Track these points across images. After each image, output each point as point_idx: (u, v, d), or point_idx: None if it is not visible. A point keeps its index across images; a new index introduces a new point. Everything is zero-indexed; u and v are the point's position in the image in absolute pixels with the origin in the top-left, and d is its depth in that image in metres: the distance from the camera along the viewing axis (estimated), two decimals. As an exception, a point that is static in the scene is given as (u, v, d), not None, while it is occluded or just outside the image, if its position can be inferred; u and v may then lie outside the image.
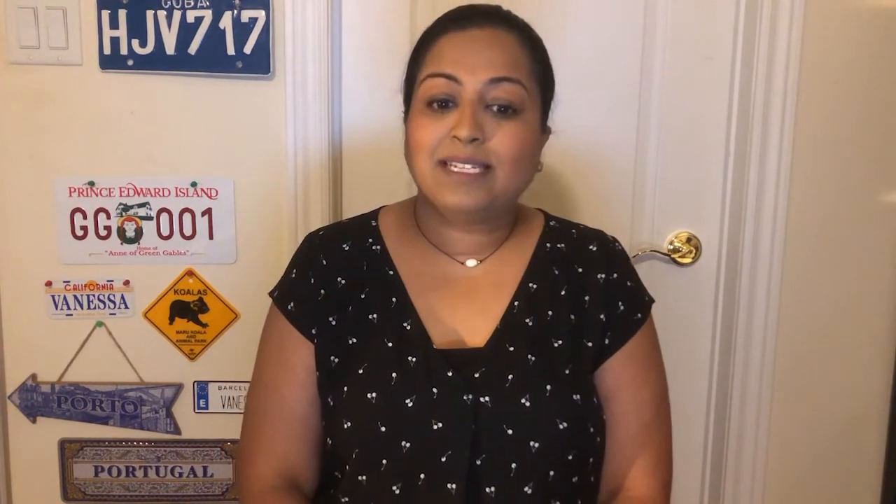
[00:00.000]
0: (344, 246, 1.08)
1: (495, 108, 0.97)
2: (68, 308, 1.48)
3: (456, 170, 0.96)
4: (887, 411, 1.56)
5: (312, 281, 1.06)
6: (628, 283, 1.07)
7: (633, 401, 1.04)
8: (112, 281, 1.48)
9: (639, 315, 1.06)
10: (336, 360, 1.02)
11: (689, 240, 1.52)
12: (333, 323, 1.04)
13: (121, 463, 1.53)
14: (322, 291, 1.05)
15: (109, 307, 1.48)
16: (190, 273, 1.48)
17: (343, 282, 1.05)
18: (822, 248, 1.52)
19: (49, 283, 1.47)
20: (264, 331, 1.11)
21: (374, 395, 0.97)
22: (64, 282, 1.47)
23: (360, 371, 1.00)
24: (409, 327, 1.01)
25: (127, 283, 1.48)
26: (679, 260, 1.52)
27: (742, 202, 1.49)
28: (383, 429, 0.96)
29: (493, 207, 1.00)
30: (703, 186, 1.51)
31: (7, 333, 1.49)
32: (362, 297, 1.04)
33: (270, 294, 1.11)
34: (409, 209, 1.11)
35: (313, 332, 1.04)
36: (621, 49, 1.47)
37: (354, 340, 1.02)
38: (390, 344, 1.00)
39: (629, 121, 1.49)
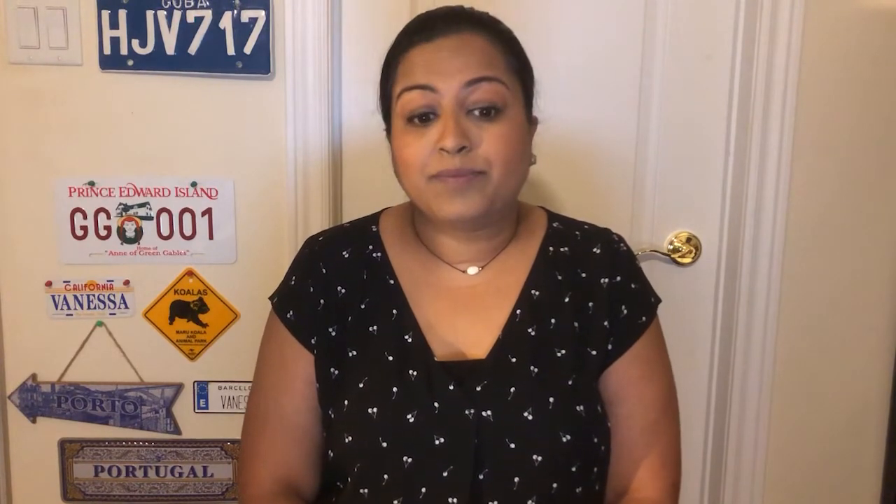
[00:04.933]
0: (344, 253, 1.06)
1: (477, 112, 0.95)
2: (68, 308, 1.48)
3: (450, 178, 0.94)
4: (887, 411, 1.56)
5: (312, 290, 1.05)
6: (632, 286, 1.05)
7: (638, 402, 1.02)
8: (112, 281, 1.48)
9: (643, 318, 1.04)
10: (336, 372, 1.01)
11: (689, 240, 1.52)
12: (333, 334, 1.02)
13: (121, 463, 1.53)
14: (322, 301, 1.04)
15: (109, 307, 1.48)
16: (190, 273, 1.48)
17: (343, 291, 1.04)
18: (822, 247, 1.52)
19: (49, 283, 1.47)
20: (264, 336, 1.10)
21: (374, 409, 0.96)
22: (64, 282, 1.47)
23: (361, 385, 0.99)
24: (409, 340, 1.00)
25: (127, 283, 1.48)
26: (679, 260, 1.52)
27: (742, 202, 1.49)
28: (385, 444, 0.95)
29: (492, 211, 0.98)
30: (703, 186, 1.51)
31: (7, 333, 1.49)
32: (362, 307, 1.03)
33: (270, 299, 1.10)
34: (408, 214, 1.10)
35: (313, 342, 1.03)
36: (621, 49, 1.47)
37: (355, 353, 1.01)
38: (391, 358, 0.99)
39: (629, 120, 1.49)
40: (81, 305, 1.48)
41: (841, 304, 1.54)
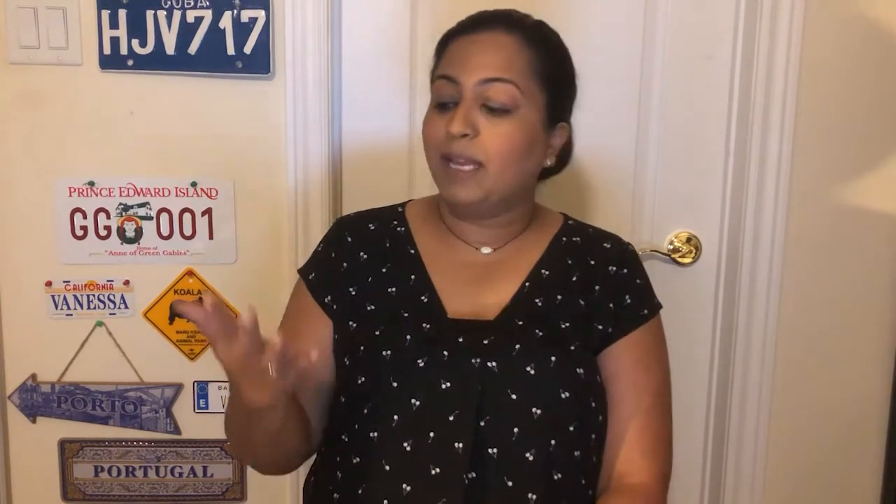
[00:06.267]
0: (370, 226, 1.14)
1: (489, 107, 1.03)
2: (68, 308, 1.48)
3: (453, 166, 1.03)
4: (887, 411, 1.56)
5: (334, 255, 1.12)
6: (637, 281, 1.12)
7: (632, 386, 1.07)
8: (112, 281, 1.48)
9: (645, 311, 1.10)
10: (353, 324, 1.07)
11: (689, 240, 1.52)
12: (353, 293, 1.09)
13: (121, 463, 1.53)
14: (344, 265, 1.11)
15: (109, 307, 1.48)
16: (190, 273, 1.48)
17: (365, 256, 1.11)
18: (822, 247, 1.52)
19: (49, 283, 1.47)
20: (290, 301, 1.16)
21: (388, 352, 1.02)
22: (64, 282, 1.47)
23: (377, 332, 1.05)
24: (425, 300, 1.07)
25: (127, 283, 1.48)
26: (679, 260, 1.52)
27: (742, 202, 1.49)
28: (395, 384, 1.01)
29: (489, 202, 1.05)
30: (703, 186, 1.51)
31: (7, 333, 1.49)
32: (383, 270, 1.10)
33: (298, 270, 1.15)
34: (434, 202, 1.17)
35: (328, 299, 1.09)
36: (621, 49, 1.47)
37: (373, 308, 1.08)
38: (406, 314, 1.06)
39: (629, 120, 1.49)
40: (81, 305, 1.48)
41: (841, 304, 1.54)
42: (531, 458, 0.98)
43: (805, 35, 1.43)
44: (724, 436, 1.56)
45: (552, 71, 1.07)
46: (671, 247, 1.52)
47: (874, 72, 1.47)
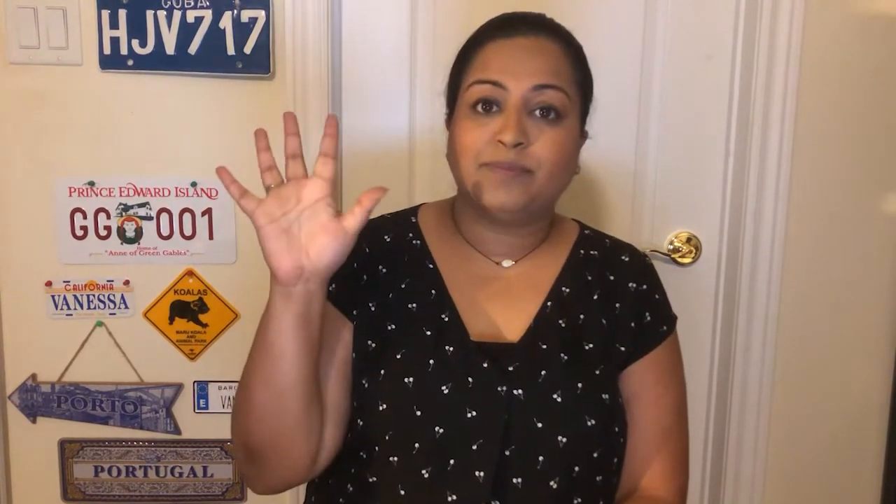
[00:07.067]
0: (385, 237, 1.11)
1: (538, 113, 1.00)
2: (68, 308, 1.48)
3: (498, 171, 0.99)
4: (887, 411, 1.56)
5: (355, 265, 1.07)
6: (656, 296, 1.10)
7: (653, 405, 1.06)
8: (112, 281, 1.48)
9: (664, 328, 1.09)
10: (373, 344, 1.04)
11: (689, 240, 1.52)
12: (373, 309, 1.05)
13: (121, 463, 1.53)
14: (364, 277, 1.07)
15: (109, 307, 1.49)
16: (190, 273, 1.48)
17: (384, 270, 1.08)
18: (822, 247, 1.52)
19: (49, 283, 1.47)
20: None
21: (410, 379, 0.99)
22: (64, 282, 1.47)
23: (399, 356, 1.02)
24: (446, 319, 1.04)
25: (127, 283, 1.48)
26: (679, 260, 1.52)
27: (742, 202, 1.49)
28: (419, 413, 0.98)
29: (532, 208, 1.02)
30: (703, 186, 1.51)
31: (7, 333, 1.50)
32: (403, 286, 1.07)
33: None
34: (447, 209, 1.14)
35: (354, 313, 1.05)
36: (621, 49, 1.47)
37: (393, 327, 1.04)
38: (428, 332, 1.03)
39: (629, 121, 1.49)
40: (81, 305, 1.48)
41: (841, 303, 1.54)
42: (555, 486, 0.97)
43: (805, 35, 1.43)
44: (724, 436, 1.56)
45: (585, 80, 1.06)
46: (671, 247, 1.52)
47: (874, 72, 1.47)
